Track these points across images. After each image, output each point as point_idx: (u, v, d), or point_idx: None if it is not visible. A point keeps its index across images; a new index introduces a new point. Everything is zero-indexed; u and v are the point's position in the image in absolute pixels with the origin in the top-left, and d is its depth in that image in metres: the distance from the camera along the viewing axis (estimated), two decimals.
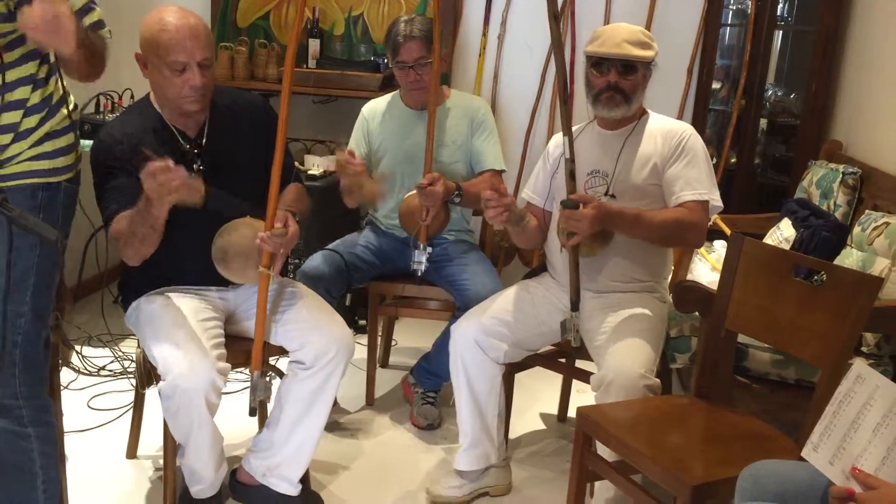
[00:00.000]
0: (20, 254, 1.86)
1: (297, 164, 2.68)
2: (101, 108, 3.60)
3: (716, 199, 2.38)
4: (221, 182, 2.29)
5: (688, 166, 2.36)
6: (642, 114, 2.48)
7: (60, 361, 2.25)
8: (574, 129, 2.59)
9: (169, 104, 2.27)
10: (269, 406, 2.42)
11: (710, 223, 3.02)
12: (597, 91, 2.39)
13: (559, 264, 2.49)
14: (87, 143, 2.59)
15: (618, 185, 2.40)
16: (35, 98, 1.87)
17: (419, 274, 2.75)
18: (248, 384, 2.99)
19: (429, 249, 2.73)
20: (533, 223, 2.49)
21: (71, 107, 1.98)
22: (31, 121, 1.88)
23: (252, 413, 2.31)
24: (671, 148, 2.38)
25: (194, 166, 2.27)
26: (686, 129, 2.43)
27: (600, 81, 2.38)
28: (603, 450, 2.10)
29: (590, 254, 2.36)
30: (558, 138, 2.60)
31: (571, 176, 2.31)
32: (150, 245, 2.17)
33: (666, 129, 2.43)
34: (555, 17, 2.15)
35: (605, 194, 2.41)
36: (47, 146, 1.91)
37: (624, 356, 2.20)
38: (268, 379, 2.29)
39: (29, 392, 1.92)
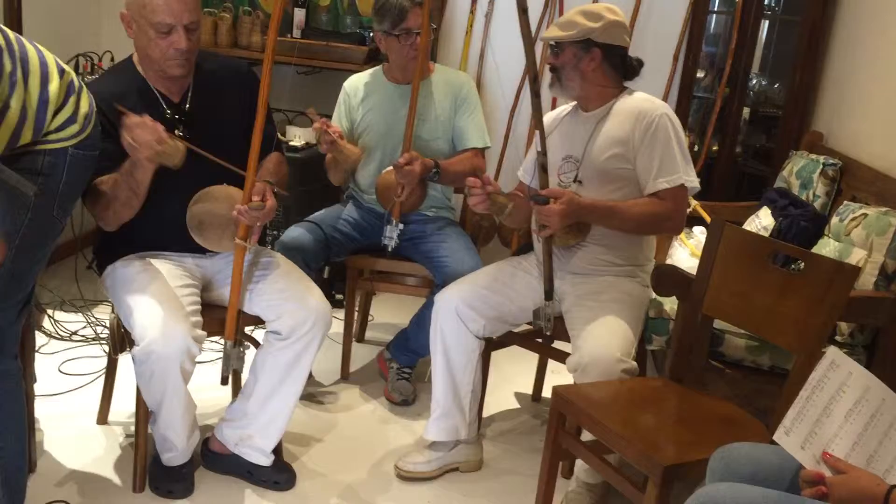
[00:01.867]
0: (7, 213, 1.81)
1: (279, 135, 2.67)
2: (81, 70, 3.54)
3: (691, 181, 2.33)
4: (203, 148, 2.26)
5: (660, 151, 2.31)
6: (619, 94, 2.43)
7: (33, 324, 2.22)
8: (560, 110, 2.59)
9: (153, 66, 2.23)
10: (244, 376, 2.41)
11: (691, 209, 3.04)
12: None
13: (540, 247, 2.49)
14: None
15: (585, 170, 2.39)
16: None
17: (389, 249, 2.80)
18: (219, 358, 2.97)
19: (400, 226, 2.75)
20: (519, 205, 2.47)
21: (63, 80, 1.84)
22: None
23: (224, 382, 2.31)
24: (641, 131, 2.32)
25: (176, 131, 2.24)
26: (656, 109, 2.34)
27: None
28: (577, 429, 2.12)
29: (563, 244, 2.37)
30: (549, 116, 2.60)
31: (543, 169, 2.29)
32: (131, 210, 2.15)
33: (637, 110, 2.36)
34: (523, 10, 2.14)
35: (574, 180, 2.40)
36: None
37: (601, 340, 2.20)
38: (241, 349, 2.28)
39: None
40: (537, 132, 2.27)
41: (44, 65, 1.80)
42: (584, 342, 2.22)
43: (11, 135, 1.75)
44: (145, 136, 2.00)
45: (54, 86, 1.80)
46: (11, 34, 1.78)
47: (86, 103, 1.89)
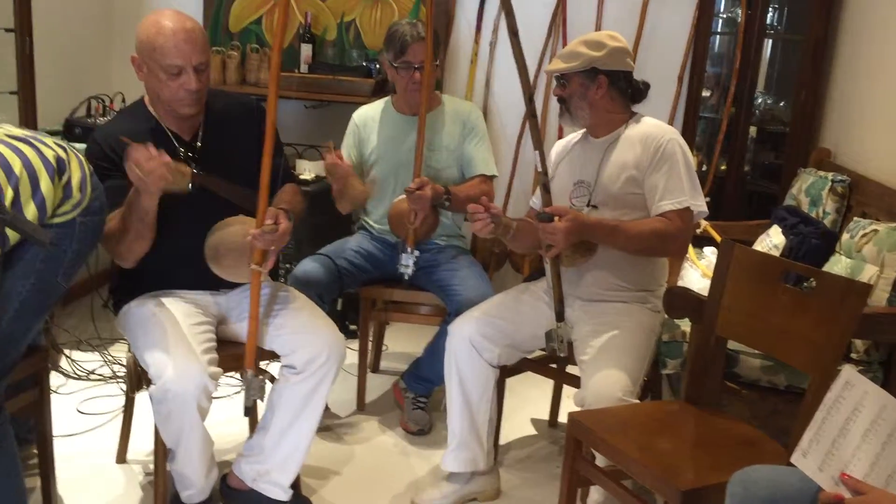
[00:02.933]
0: (8, 279, 1.83)
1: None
2: (93, 112, 3.59)
3: (698, 205, 2.35)
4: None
5: (666, 174, 2.33)
6: (627, 120, 2.46)
7: (50, 365, 2.23)
8: (570, 137, 2.62)
9: (164, 107, 2.27)
10: (261, 410, 2.41)
11: (701, 230, 3.04)
12: None
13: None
14: (79, 147, 2.57)
15: (598, 196, 2.41)
16: None
17: (406, 277, 2.79)
18: (240, 389, 2.98)
19: (416, 253, 2.76)
20: (526, 229, 2.48)
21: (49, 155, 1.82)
22: None
23: (247, 413, 2.31)
24: (649, 156, 2.35)
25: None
26: (665, 134, 2.38)
27: None
28: (594, 455, 2.11)
29: (571, 265, 2.38)
30: (560, 144, 2.62)
31: (545, 188, 2.33)
32: (143, 242, 2.16)
33: (646, 135, 2.39)
34: (514, 33, 2.18)
35: (588, 205, 2.42)
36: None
37: (604, 380, 2.20)
38: (262, 378, 2.28)
39: None
40: (536, 152, 2.29)
41: (28, 166, 1.77)
42: (589, 380, 2.23)
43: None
44: (152, 165, 2.01)
45: (45, 183, 1.79)
46: None
47: (77, 170, 1.88)
